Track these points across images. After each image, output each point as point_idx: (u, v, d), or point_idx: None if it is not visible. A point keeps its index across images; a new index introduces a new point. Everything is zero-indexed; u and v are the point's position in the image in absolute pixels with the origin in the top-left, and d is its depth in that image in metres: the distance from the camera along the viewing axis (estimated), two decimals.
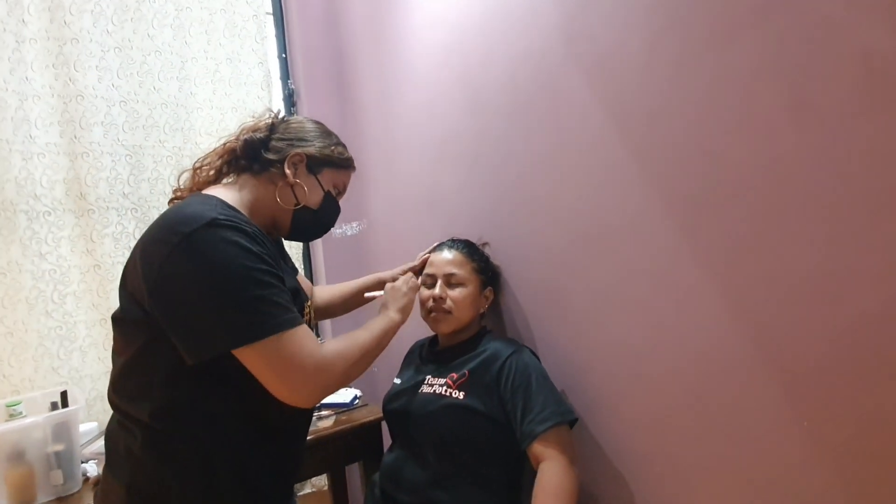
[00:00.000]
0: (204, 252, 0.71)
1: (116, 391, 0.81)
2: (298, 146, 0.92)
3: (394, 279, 1.25)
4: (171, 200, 0.92)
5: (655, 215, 0.84)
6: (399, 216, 1.66)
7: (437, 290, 1.10)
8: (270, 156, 0.91)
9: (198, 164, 0.93)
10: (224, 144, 0.93)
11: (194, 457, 0.78)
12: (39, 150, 1.50)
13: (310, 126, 0.97)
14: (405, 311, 1.03)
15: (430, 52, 1.41)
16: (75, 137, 1.54)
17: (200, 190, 0.89)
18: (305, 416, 0.96)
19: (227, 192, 0.86)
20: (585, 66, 0.95)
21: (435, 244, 1.22)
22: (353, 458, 1.48)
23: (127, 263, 0.81)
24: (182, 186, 0.93)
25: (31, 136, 1.49)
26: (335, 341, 0.85)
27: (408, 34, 1.51)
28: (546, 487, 0.88)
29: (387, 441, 1.31)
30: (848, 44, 0.59)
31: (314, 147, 0.94)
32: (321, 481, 1.81)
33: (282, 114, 1.00)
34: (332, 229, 1.05)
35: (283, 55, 1.95)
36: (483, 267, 1.16)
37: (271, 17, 1.93)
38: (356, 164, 1.03)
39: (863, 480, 0.62)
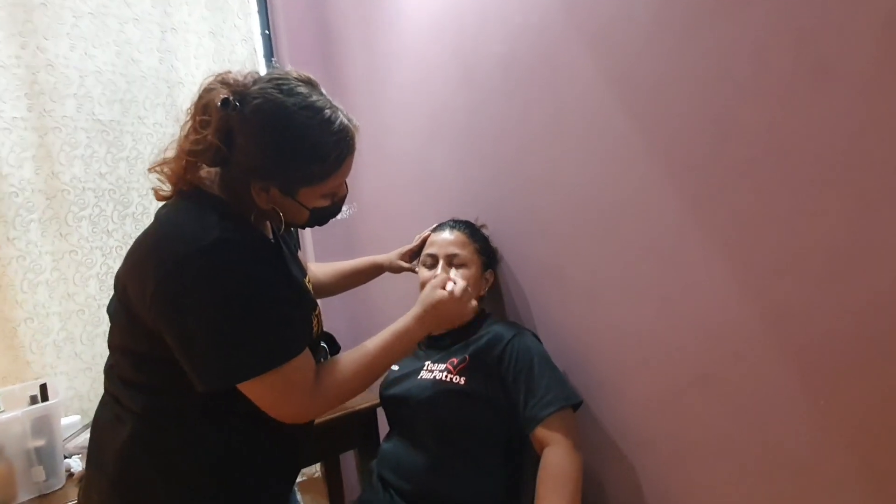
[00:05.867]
0: (203, 279, 0.68)
1: (111, 377, 0.78)
2: (257, 178, 0.74)
3: (391, 264, 1.23)
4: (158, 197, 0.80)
5: (662, 191, 0.82)
6: (391, 199, 1.62)
7: (438, 271, 1.07)
8: (235, 173, 0.75)
9: (157, 168, 0.77)
10: (182, 150, 0.74)
11: (183, 452, 0.76)
12: (6, 124, 1.40)
13: (272, 141, 0.72)
14: (433, 328, 0.92)
15: (422, 25, 1.36)
16: (45, 111, 1.45)
17: (184, 186, 0.76)
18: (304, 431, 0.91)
19: (220, 188, 0.77)
20: (587, 37, 0.91)
21: (435, 224, 1.19)
22: (347, 445, 1.45)
23: (122, 268, 0.75)
24: (162, 186, 0.78)
25: None
26: (338, 363, 0.82)
27: (398, 7, 1.45)
28: (551, 472, 0.87)
29: (382, 427, 1.29)
30: (869, 3, 0.57)
31: (279, 177, 0.74)
32: (313, 470, 1.78)
33: (234, 97, 0.72)
34: None
35: (267, 31, 1.87)
36: (484, 248, 1.14)
37: None
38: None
39: (881, 460, 0.62)
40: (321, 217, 0.84)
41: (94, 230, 1.51)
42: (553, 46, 0.98)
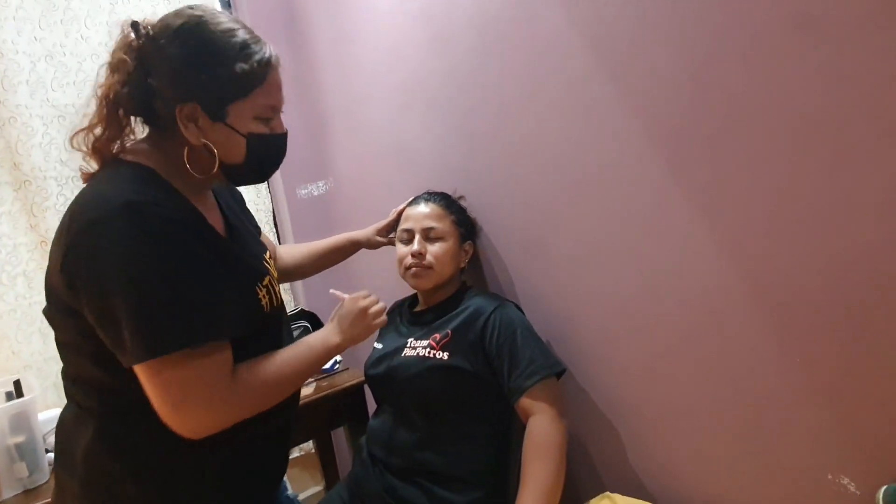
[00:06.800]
0: (111, 244, 0.62)
1: (65, 378, 0.75)
2: (181, 97, 0.69)
3: (368, 240, 1.19)
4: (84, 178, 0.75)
5: (642, 154, 0.79)
6: (366, 172, 1.57)
7: (415, 246, 1.05)
8: (160, 109, 0.71)
9: (81, 133, 0.72)
10: (100, 98, 0.71)
11: (149, 448, 0.71)
12: None
13: (187, 49, 0.69)
14: (354, 340, 0.85)
15: None
16: (0, 101, 1.38)
17: (112, 157, 0.72)
18: (288, 412, 0.84)
19: (146, 156, 0.72)
20: None
21: (410, 198, 1.15)
22: (337, 422, 1.46)
23: (48, 265, 0.71)
24: (88, 165, 0.73)
25: None
26: (251, 371, 0.71)
27: None
28: (536, 442, 0.88)
29: (370, 403, 1.29)
30: None
31: (202, 89, 0.69)
32: (309, 445, 1.80)
33: (144, 23, 0.70)
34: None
35: None
36: (462, 219, 1.11)
37: None
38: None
39: (857, 417, 0.62)
40: (261, 153, 0.77)
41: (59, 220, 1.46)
42: (527, 6, 0.93)
